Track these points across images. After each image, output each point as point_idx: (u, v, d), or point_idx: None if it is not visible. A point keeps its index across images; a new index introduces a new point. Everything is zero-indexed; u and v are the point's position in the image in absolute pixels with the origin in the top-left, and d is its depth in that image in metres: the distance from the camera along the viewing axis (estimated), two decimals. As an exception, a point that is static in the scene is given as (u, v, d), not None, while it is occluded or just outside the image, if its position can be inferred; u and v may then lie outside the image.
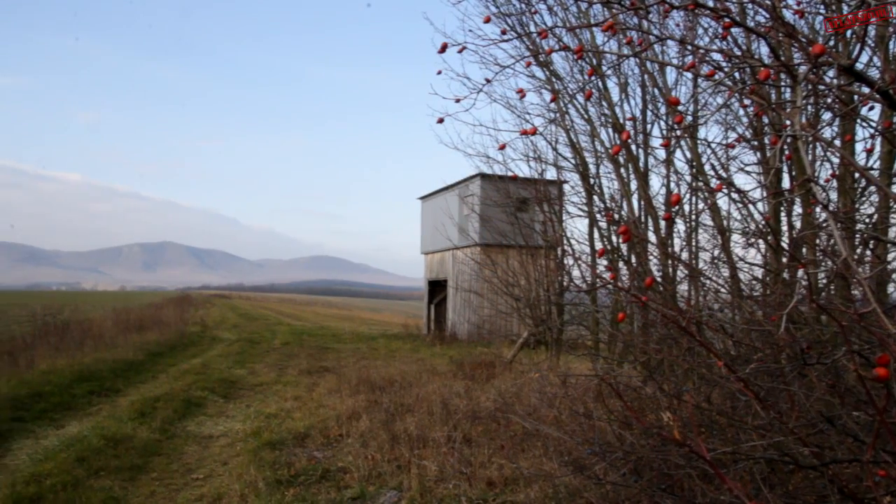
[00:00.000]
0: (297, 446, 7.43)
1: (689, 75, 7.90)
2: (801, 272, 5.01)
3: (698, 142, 7.41)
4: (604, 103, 9.39)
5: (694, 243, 7.94)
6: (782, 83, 4.54)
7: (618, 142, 9.24)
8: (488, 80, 3.45)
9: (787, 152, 3.92)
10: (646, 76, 8.71)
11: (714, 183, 7.31)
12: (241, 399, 10.85)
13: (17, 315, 26.03)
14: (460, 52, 3.22)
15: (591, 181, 10.60)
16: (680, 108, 6.15)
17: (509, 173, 13.51)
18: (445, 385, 10.50)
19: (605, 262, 10.19)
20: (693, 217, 7.92)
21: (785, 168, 6.18)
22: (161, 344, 18.15)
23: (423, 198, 29.64)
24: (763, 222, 5.87)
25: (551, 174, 12.66)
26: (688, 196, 7.97)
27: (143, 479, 6.40)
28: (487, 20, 3.55)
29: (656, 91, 8.65)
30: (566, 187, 12.40)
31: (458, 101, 3.40)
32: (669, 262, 7.56)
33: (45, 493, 5.65)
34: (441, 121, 3.83)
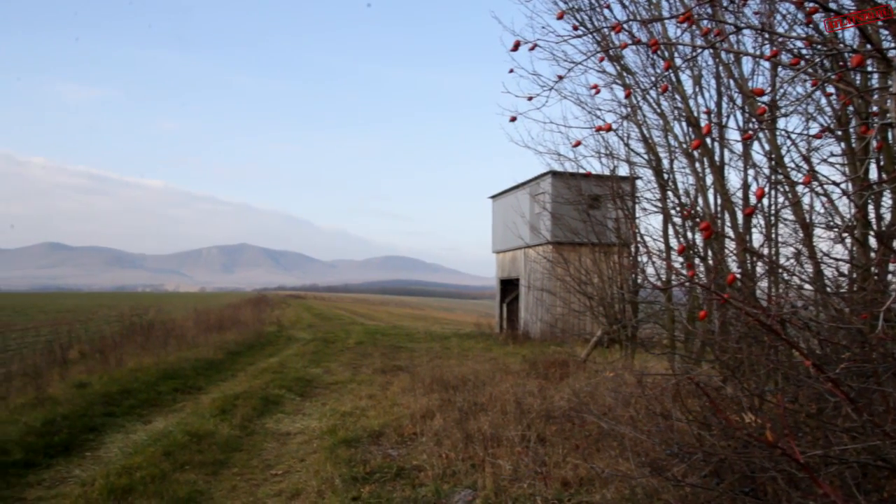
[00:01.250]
0: (372, 444, 7.53)
1: (767, 65, 7.63)
2: (892, 266, 4.77)
3: (777, 133, 7.13)
4: (677, 97, 9.16)
5: (774, 238, 7.66)
6: (869, 69, 4.34)
7: (692, 136, 9.01)
8: (560, 77, 3.41)
9: (876, 142, 3.73)
10: (721, 67, 8.45)
11: (794, 175, 7.03)
12: (317, 397, 11.08)
13: (106, 315, 27.34)
14: (532, 49, 3.19)
15: (665, 176, 10.37)
16: (759, 98, 5.94)
17: (580, 170, 13.35)
18: (519, 384, 10.44)
19: (680, 259, 9.95)
20: (773, 211, 7.64)
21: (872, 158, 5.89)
22: (239, 343, 18.71)
23: (493, 197, 29.57)
24: (852, 216, 5.61)
25: (623, 170, 12.44)
26: (766, 189, 7.69)
27: (225, 473, 6.62)
28: (561, 16, 3.52)
29: (731, 82, 8.39)
30: (639, 183, 12.16)
31: (530, 98, 3.38)
32: (749, 257, 7.32)
33: (136, 484, 5.90)
34: (514, 119, 3.82)
